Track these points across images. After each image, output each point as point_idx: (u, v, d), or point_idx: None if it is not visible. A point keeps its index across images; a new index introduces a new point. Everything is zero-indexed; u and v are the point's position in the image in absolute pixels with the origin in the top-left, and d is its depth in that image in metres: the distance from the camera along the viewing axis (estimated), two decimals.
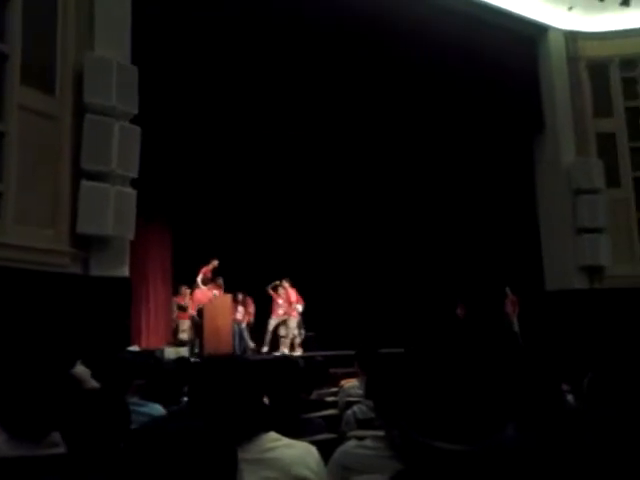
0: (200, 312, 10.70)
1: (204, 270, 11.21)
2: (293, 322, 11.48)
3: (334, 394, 4.18)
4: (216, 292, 11.08)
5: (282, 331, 11.54)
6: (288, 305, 11.51)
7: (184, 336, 10.89)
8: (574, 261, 12.05)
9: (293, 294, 11.62)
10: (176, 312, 11.24)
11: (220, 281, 11.31)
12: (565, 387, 3.44)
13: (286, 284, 11.59)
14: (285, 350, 11.13)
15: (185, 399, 3.45)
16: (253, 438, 1.73)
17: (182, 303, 11.14)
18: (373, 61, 10.24)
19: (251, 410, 1.76)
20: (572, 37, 12.80)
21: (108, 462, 1.71)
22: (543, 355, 2.50)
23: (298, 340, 11.53)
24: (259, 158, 11.79)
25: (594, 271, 12.14)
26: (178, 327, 11.07)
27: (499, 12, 11.68)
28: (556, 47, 12.79)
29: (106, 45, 7.55)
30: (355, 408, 3.13)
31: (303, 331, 11.88)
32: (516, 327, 12.60)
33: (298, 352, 11.04)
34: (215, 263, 11.31)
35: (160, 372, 3.42)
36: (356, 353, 4.42)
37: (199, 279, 11.10)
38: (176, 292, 11.60)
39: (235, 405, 1.73)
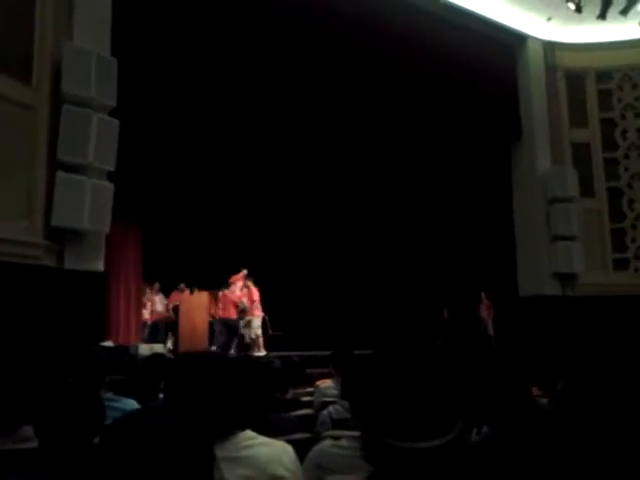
0: (176, 309, 10.62)
1: (234, 278, 11.20)
2: (256, 322, 11.22)
3: (310, 394, 4.17)
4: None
5: (245, 331, 11.27)
6: (251, 304, 11.25)
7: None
8: (548, 268, 12.22)
9: (256, 293, 11.33)
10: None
11: (182, 286, 11.30)
12: (537, 392, 3.49)
13: (249, 282, 11.34)
14: (256, 351, 10.93)
15: (161, 396, 3.42)
16: (229, 436, 1.72)
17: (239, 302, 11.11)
18: (353, 66, 10.22)
19: (227, 408, 1.75)
20: (550, 47, 13.00)
21: (81, 457, 1.68)
22: (515, 359, 2.53)
23: (261, 340, 11.19)
24: (233, 154, 11.70)
25: (567, 278, 12.34)
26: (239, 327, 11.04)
27: (479, 19, 11.81)
28: (535, 57, 12.97)
29: (86, 36, 7.43)
30: (331, 408, 3.13)
31: (270, 331, 11.72)
32: (491, 331, 12.77)
33: (262, 352, 10.79)
34: (245, 272, 11.34)
35: (135, 368, 3.38)
36: (331, 354, 4.43)
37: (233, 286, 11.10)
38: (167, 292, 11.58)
39: (211, 402, 1.72)
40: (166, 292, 11.97)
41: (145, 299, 11.86)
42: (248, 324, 11.20)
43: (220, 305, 11.08)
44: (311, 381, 4.67)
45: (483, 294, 13.02)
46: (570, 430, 1.37)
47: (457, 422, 1.08)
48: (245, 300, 11.15)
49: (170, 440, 0.99)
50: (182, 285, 11.45)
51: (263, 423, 2.25)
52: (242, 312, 11.10)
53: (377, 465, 1.08)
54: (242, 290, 11.19)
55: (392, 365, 1.11)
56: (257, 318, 11.22)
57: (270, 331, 11.68)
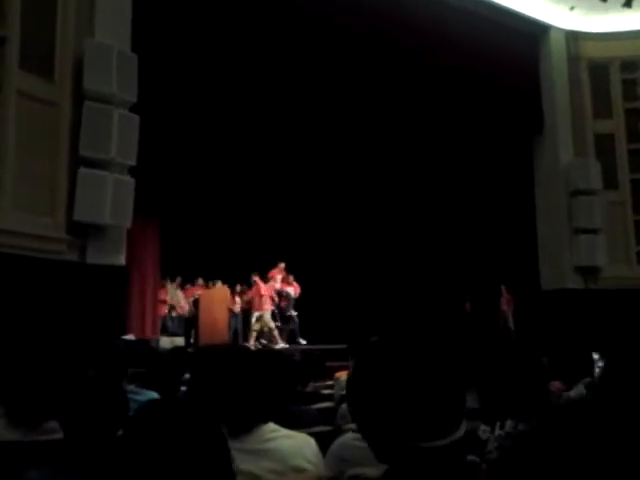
0: (196, 303, 10.69)
1: (272, 273, 11.69)
2: (267, 315, 11.49)
3: (330, 387, 4.17)
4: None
5: (256, 326, 11.51)
6: (259, 299, 11.49)
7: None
8: (570, 261, 12.08)
9: (263, 288, 11.59)
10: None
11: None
12: (561, 386, 3.45)
13: (256, 278, 11.61)
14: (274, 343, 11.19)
15: (184, 388, 3.45)
16: (253, 429, 1.73)
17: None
18: (374, 57, 10.17)
19: (250, 401, 1.75)
20: (573, 37, 12.79)
21: (105, 449, 1.70)
22: (534, 353, 2.51)
23: (276, 332, 11.52)
24: (254, 151, 11.71)
25: (589, 271, 12.18)
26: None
27: (501, 10, 11.67)
28: (557, 47, 12.78)
29: (107, 32, 7.50)
30: None
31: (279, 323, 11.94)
32: (511, 324, 12.67)
33: (281, 344, 11.09)
34: (282, 265, 11.83)
35: (157, 361, 3.41)
36: (348, 346, 4.42)
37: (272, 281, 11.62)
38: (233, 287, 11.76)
39: (235, 395, 1.73)
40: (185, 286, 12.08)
41: (166, 293, 11.93)
42: (259, 318, 11.44)
43: (257, 300, 11.50)
44: (331, 374, 4.67)
45: (503, 287, 12.92)
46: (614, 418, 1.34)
47: (462, 420, 1.07)
48: (291, 290, 11.89)
49: (189, 430, 0.99)
50: (200, 280, 11.51)
51: (285, 416, 2.26)
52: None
53: (391, 463, 1.08)
54: (282, 283, 11.76)
55: (397, 364, 1.08)
56: (267, 312, 11.48)
57: (279, 323, 11.88)
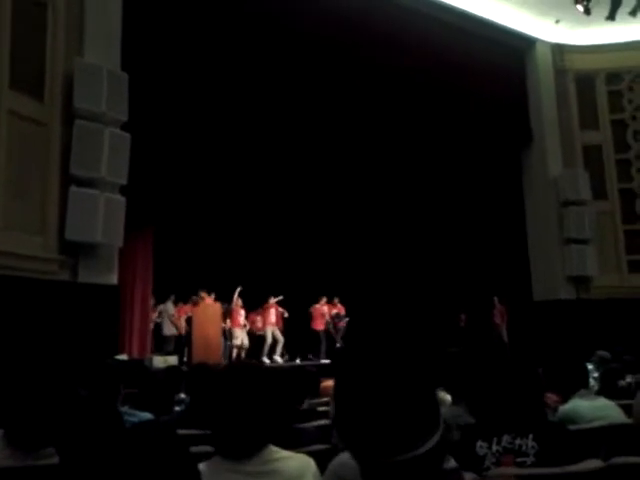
0: (189, 321, 10.63)
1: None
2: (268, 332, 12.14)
3: (325, 404, 4.15)
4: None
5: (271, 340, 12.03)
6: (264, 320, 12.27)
7: None
8: (561, 272, 12.14)
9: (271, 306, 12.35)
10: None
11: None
12: (556, 398, 3.45)
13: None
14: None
15: (177, 408, 3.42)
16: (258, 451, 1.71)
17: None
18: (365, 71, 10.26)
19: (256, 421, 1.74)
20: (559, 50, 12.96)
21: (101, 471, 1.68)
22: (529, 367, 2.51)
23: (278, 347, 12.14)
24: (246, 166, 11.74)
25: (581, 281, 12.24)
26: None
27: (488, 24, 11.81)
28: (544, 60, 12.94)
29: (96, 51, 7.52)
30: None
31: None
32: (505, 337, 12.68)
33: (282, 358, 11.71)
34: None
35: (150, 381, 3.38)
36: (332, 362, 4.39)
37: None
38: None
39: (239, 416, 1.71)
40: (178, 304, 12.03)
41: (159, 312, 11.85)
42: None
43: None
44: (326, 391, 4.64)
45: (496, 299, 12.95)
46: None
47: (437, 427, 1.05)
48: (336, 311, 13.02)
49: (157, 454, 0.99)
50: (194, 297, 11.46)
51: (285, 435, 2.25)
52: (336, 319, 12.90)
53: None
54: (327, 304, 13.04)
55: (359, 377, 1.08)
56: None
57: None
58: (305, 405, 3.64)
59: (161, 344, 11.39)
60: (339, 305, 13.28)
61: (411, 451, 1.01)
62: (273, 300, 12.19)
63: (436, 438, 1.04)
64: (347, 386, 1.09)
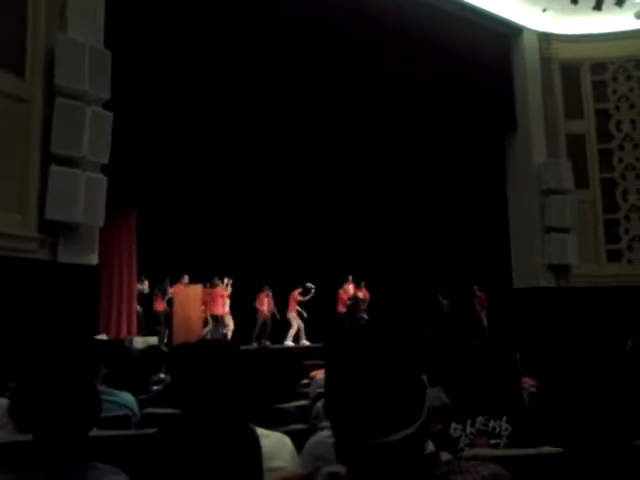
0: (170, 302, 10.61)
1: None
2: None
3: (306, 385, 4.17)
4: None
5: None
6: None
7: None
8: (542, 260, 12.26)
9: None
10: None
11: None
12: (532, 382, 3.50)
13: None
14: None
15: (154, 388, 3.42)
16: None
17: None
18: (348, 57, 10.19)
19: (234, 400, 1.74)
20: (546, 38, 12.98)
21: (78, 450, 1.68)
22: (507, 349, 2.54)
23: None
24: (230, 147, 11.65)
25: (561, 270, 12.38)
26: None
27: (475, 11, 11.79)
28: (530, 48, 12.95)
29: (79, 27, 7.39)
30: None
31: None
32: (484, 323, 12.82)
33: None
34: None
35: (128, 361, 3.37)
36: (324, 345, 4.42)
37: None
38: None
39: (219, 394, 1.71)
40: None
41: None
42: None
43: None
44: (309, 373, 4.68)
45: (475, 287, 13.07)
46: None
47: (420, 414, 1.06)
48: (361, 294, 13.21)
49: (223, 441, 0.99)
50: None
51: (265, 414, 2.26)
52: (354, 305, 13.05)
53: (348, 463, 1.08)
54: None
55: (349, 360, 1.08)
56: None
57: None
58: (298, 389, 3.64)
59: (152, 320, 11.31)
60: (364, 289, 13.47)
61: (397, 433, 1.02)
62: (297, 291, 12.66)
63: (420, 421, 1.05)
64: (338, 368, 1.09)
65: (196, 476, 0.95)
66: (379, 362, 1.07)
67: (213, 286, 11.44)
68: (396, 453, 1.02)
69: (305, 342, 12.29)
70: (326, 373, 1.14)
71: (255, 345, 11.55)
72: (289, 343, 12.07)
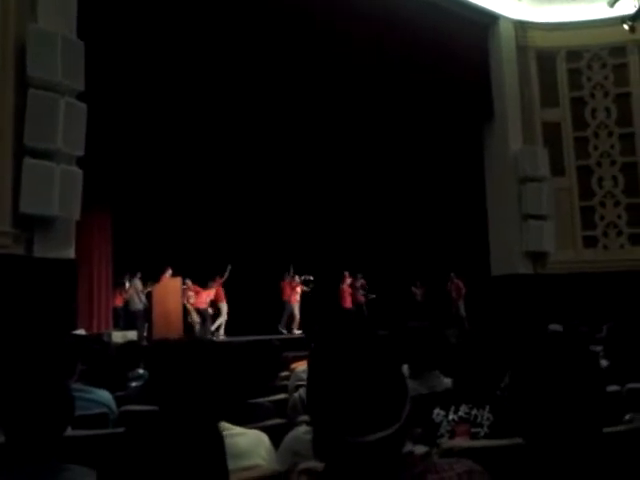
0: (149, 295, 10.53)
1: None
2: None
3: (286, 378, 4.17)
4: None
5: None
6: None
7: None
8: (519, 247, 12.37)
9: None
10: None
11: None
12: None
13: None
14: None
15: (133, 384, 3.39)
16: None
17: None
18: (324, 45, 10.12)
19: (207, 398, 1.73)
20: (522, 27, 13.03)
21: (51, 451, 1.66)
22: (488, 339, 2.56)
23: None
24: (208, 139, 11.56)
25: (538, 257, 12.50)
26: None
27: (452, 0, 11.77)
28: (506, 36, 12.99)
29: (50, 17, 7.24)
30: (301, 391, 3.07)
31: None
32: (462, 312, 12.90)
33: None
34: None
35: (105, 357, 3.34)
36: (306, 336, 4.42)
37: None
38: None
39: (195, 391, 1.71)
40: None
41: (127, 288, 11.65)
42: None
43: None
44: (288, 365, 4.67)
45: (452, 274, 13.14)
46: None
47: (401, 413, 1.06)
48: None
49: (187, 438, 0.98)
50: (169, 270, 11.32)
51: (239, 411, 2.25)
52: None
53: (326, 461, 1.08)
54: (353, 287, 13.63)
55: (331, 358, 1.08)
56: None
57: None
58: (277, 382, 3.62)
59: (132, 320, 11.24)
60: (362, 280, 13.87)
61: (376, 433, 1.02)
62: (297, 280, 12.80)
63: (400, 424, 1.05)
64: (321, 366, 1.09)
65: (156, 477, 0.94)
66: (362, 361, 1.07)
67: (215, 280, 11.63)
68: (374, 453, 1.03)
69: (296, 332, 12.33)
70: (309, 371, 1.14)
71: (285, 333, 11.92)
72: (282, 329, 12.25)
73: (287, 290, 12.57)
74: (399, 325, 3.07)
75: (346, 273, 13.41)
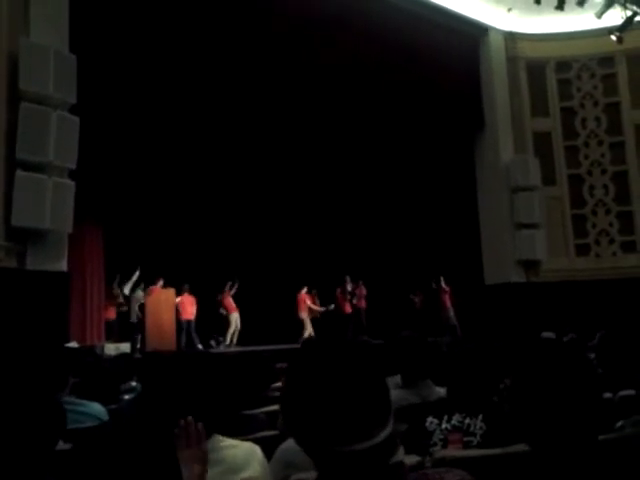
0: (142, 307, 10.49)
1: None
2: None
3: (279, 389, 4.16)
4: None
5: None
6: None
7: None
8: (512, 255, 12.42)
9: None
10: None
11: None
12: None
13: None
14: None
15: (125, 397, 3.37)
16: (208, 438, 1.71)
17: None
18: (316, 57, 10.16)
19: (206, 409, 1.74)
20: (511, 38, 13.16)
21: (41, 465, 1.65)
22: (481, 347, 2.57)
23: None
24: (198, 152, 11.56)
25: (530, 265, 12.55)
26: None
27: (442, 11, 11.88)
28: (496, 47, 13.12)
29: (43, 31, 7.27)
30: None
31: None
32: (453, 320, 12.88)
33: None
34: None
35: (98, 369, 3.32)
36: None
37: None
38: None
39: (190, 404, 1.71)
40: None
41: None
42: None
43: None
44: (280, 376, 4.65)
45: (442, 281, 13.14)
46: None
47: (386, 424, 1.05)
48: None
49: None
50: (161, 281, 11.27)
51: (233, 422, 2.25)
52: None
53: (319, 469, 1.07)
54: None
55: (316, 368, 1.07)
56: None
57: None
58: (270, 392, 3.61)
59: (129, 330, 11.16)
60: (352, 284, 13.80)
61: (364, 442, 1.01)
62: (304, 291, 12.86)
63: (387, 432, 1.04)
64: (299, 377, 1.09)
65: None
66: (344, 370, 1.06)
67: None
68: (363, 462, 1.02)
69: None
70: (286, 383, 1.12)
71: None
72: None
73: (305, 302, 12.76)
74: (394, 334, 3.06)
75: (347, 278, 13.44)
